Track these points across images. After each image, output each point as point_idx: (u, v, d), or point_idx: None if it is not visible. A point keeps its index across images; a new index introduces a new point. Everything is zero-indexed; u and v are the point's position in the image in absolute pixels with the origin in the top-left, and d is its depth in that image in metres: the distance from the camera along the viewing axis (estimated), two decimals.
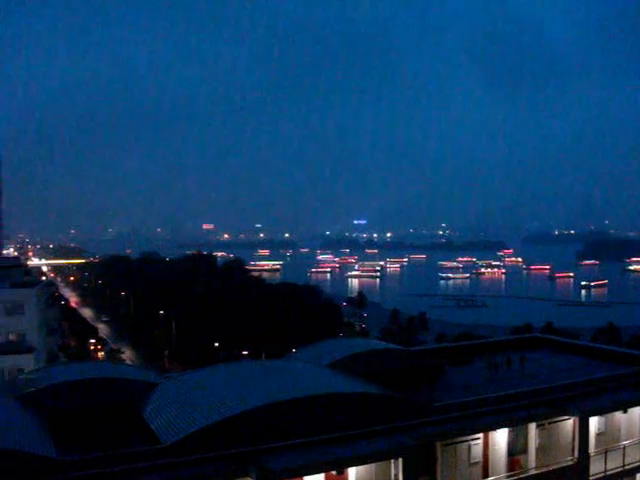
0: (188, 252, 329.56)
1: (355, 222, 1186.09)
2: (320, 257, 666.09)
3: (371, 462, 30.88)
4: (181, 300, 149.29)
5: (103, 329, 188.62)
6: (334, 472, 30.35)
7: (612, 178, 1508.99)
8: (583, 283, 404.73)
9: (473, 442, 35.23)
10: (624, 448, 40.29)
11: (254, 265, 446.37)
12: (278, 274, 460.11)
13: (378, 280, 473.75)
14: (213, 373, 37.99)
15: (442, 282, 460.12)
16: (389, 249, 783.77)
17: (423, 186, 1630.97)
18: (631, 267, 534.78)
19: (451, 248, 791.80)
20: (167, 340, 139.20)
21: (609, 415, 40.76)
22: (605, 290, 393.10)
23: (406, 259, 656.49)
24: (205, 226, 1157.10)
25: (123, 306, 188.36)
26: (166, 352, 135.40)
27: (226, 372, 38.13)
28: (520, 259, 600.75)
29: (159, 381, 37.26)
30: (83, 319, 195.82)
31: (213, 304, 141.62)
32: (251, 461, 27.89)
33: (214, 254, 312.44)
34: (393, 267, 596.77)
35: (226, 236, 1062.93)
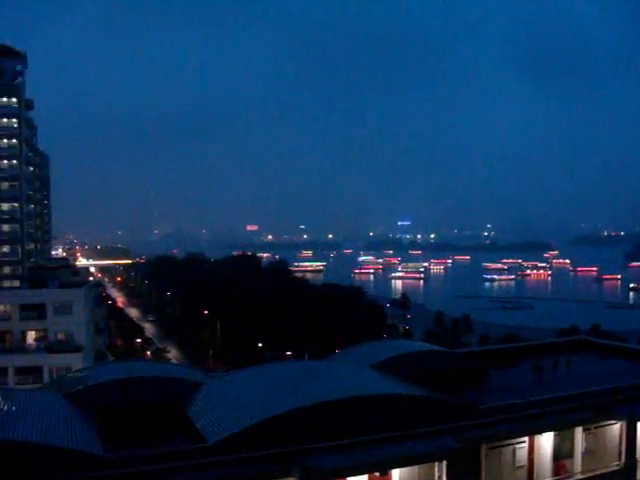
0: (233, 253, 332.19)
1: (399, 223, 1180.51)
2: (361, 258, 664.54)
3: (414, 464, 30.86)
4: (226, 300, 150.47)
5: (149, 329, 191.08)
6: (377, 473, 30.39)
7: None
8: (631, 285, 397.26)
9: (518, 445, 34.94)
10: None
11: (297, 266, 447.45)
12: (321, 275, 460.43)
13: (422, 281, 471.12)
14: (257, 373, 38.32)
15: (487, 284, 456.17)
16: (433, 250, 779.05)
17: (467, 187, 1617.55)
18: None
19: (495, 249, 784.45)
20: (212, 340, 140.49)
21: None
22: None
23: (450, 260, 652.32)
24: (249, 227, 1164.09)
25: (169, 306, 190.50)
26: (211, 352, 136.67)
27: (270, 372, 38.41)
28: (568, 260, 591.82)
29: (204, 380, 37.71)
30: (130, 319, 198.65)
31: (257, 305, 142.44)
32: (294, 461, 28.09)
33: (258, 255, 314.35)
34: (437, 268, 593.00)
35: (270, 237, 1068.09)
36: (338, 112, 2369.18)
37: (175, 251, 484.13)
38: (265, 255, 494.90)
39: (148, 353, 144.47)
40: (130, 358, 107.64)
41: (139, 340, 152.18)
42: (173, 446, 28.47)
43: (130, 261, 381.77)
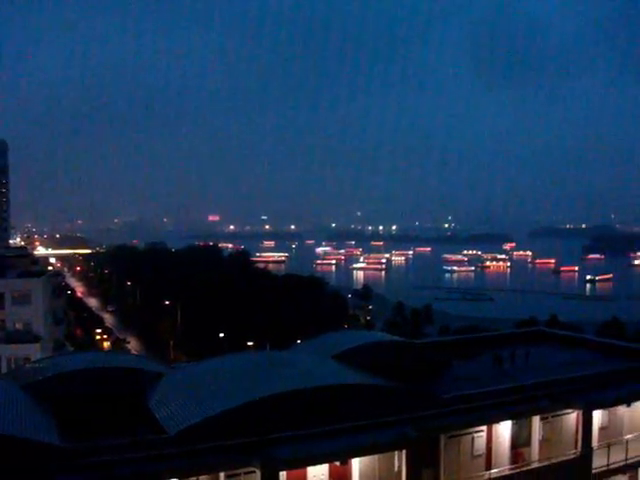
0: (194, 243, 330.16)
1: (360, 214, 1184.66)
2: (319, 249, 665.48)
3: (374, 453, 31.07)
4: (187, 291, 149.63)
5: (109, 319, 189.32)
6: (337, 463, 30.54)
7: (618, 172, 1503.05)
8: (588, 277, 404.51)
9: (477, 434, 35.38)
10: (627, 442, 40.38)
11: (259, 256, 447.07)
12: (283, 266, 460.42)
13: (383, 272, 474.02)
14: (218, 364, 38.18)
15: (447, 275, 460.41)
16: (394, 241, 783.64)
17: (429, 179, 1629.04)
18: (636, 262, 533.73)
19: (456, 241, 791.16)
20: (173, 330, 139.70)
21: (612, 409, 40.86)
22: (610, 284, 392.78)
23: (411, 252, 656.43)
24: (211, 217, 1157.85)
25: (129, 296, 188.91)
26: (172, 342, 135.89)
27: (231, 363, 38.29)
28: (529, 252, 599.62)
29: (165, 371, 37.46)
30: (89, 309, 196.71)
31: (219, 295, 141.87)
32: (255, 451, 28.08)
33: (220, 245, 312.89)
34: (398, 260, 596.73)
35: (232, 227, 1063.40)
36: (301, 104, 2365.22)
37: (136, 241, 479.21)
38: (227, 245, 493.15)
39: (108, 344, 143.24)
40: (89, 349, 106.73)
41: (99, 330, 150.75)
42: (132, 437, 28.23)
43: (90, 251, 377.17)
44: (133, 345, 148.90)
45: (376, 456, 31.46)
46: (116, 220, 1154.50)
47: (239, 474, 28.52)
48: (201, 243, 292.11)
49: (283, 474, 28.85)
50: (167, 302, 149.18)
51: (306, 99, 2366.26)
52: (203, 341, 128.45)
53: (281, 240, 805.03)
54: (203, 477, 28.21)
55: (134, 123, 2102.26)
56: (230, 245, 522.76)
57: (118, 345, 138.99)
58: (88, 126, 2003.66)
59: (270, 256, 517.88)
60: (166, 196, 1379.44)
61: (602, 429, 40.48)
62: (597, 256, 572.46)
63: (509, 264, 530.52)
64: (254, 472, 28.22)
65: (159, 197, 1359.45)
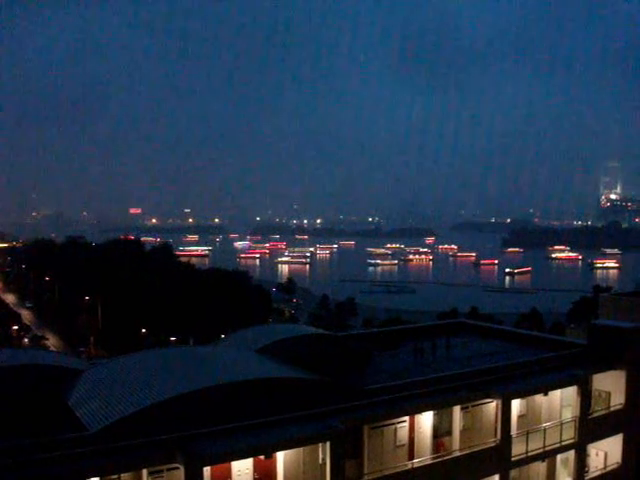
0: (115, 237, 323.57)
1: (285, 208, 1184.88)
2: (237, 243, 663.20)
3: (298, 446, 31.10)
4: (107, 286, 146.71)
5: (27, 315, 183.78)
6: (262, 457, 30.48)
7: (535, 168, 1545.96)
8: (507, 270, 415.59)
9: (399, 425, 35.85)
10: (545, 430, 41.61)
11: (183, 250, 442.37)
12: (207, 260, 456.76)
13: (308, 266, 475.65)
14: (140, 359, 37.55)
15: (371, 268, 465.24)
16: (319, 235, 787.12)
17: (353, 173, 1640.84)
18: (553, 255, 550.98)
19: (380, 235, 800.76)
20: (93, 326, 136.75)
21: (530, 398, 42.04)
22: (529, 277, 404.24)
23: (336, 245, 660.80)
24: (132, 210, 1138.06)
25: (47, 292, 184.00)
26: (92, 338, 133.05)
27: (153, 358, 37.73)
28: (454, 246, 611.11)
29: (85, 368, 36.65)
30: (6, 305, 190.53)
31: (140, 290, 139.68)
32: (178, 447, 27.74)
33: (141, 239, 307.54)
34: (323, 253, 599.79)
35: (154, 221, 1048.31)
36: (226, 97, 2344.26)
37: (54, 235, 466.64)
38: (149, 239, 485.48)
39: (25, 340, 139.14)
40: (6, 346, 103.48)
41: (15, 327, 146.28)
42: (51, 436, 27.47)
43: (6, 244, 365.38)
44: (52, 342, 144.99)
45: (300, 449, 31.52)
46: (34, 213, 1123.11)
47: (162, 471, 28.14)
48: (122, 237, 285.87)
49: (207, 470, 28.58)
50: (87, 298, 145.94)
51: (231, 92, 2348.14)
52: (124, 337, 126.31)
53: (204, 234, 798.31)
54: (126, 475, 27.75)
55: (52, 116, 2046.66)
56: (152, 239, 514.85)
57: (36, 342, 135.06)
58: (3, 119, 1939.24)
59: (193, 250, 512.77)
60: (86, 189, 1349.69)
61: (521, 417, 41.61)
62: (516, 249, 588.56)
63: (431, 257, 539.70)
64: (178, 468, 27.89)
65: (79, 190, 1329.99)
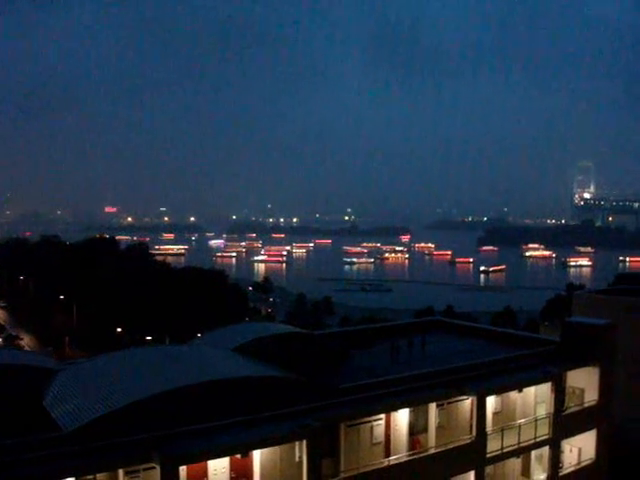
0: (91, 235, 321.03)
1: (261, 206, 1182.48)
2: (212, 242, 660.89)
3: (275, 444, 31.13)
4: (83, 285, 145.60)
5: (0, 315, 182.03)
6: (239, 455, 30.47)
7: (511, 167, 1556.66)
8: (482, 268, 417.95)
9: (375, 423, 36.01)
10: (519, 427, 42.03)
11: (158, 249, 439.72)
12: (183, 259, 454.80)
13: (284, 265, 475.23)
14: (116, 359, 37.39)
15: (347, 267, 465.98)
16: (295, 234, 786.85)
17: (329, 172, 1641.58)
18: (527, 253, 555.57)
19: (356, 233, 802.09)
20: (68, 326, 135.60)
21: (505, 395, 42.47)
22: (503, 275, 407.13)
23: (312, 244, 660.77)
24: (108, 209, 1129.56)
25: (22, 291, 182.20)
26: (67, 338, 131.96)
27: (129, 358, 37.59)
28: (431, 244, 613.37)
29: (60, 368, 36.38)
30: None
31: (116, 289, 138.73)
32: (155, 447, 27.65)
33: (117, 238, 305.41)
34: (299, 252, 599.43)
35: (130, 219, 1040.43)
36: (202, 93, 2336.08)
37: (29, 233, 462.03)
38: (125, 238, 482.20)
39: None
40: None
41: None
42: (26, 437, 27.25)
43: None
44: (27, 342, 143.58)
45: (277, 447, 31.55)
46: (8, 212, 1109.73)
47: (138, 470, 28.04)
48: (97, 236, 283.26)
49: (183, 469, 28.55)
50: (62, 297, 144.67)
51: (207, 90, 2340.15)
52: (100, 336, 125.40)
53: (180, 232, 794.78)
54: (101, 475, 27.60)
55: (25, 112, 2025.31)
56: (128, 237, 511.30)
57: (10, 342, 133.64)
58: None
59: (169, 249, 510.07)
60: (61, 187, 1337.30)
61: (496, 414, 41.99)
62: (491, 248, 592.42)
63: (407, 256, 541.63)
64: (154, 468, 27.79)
65: (53, 188, 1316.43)
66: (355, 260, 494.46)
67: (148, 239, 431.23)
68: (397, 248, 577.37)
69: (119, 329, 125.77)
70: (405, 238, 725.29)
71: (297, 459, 31.82)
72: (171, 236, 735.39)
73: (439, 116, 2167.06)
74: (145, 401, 29.09)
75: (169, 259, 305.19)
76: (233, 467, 31.34)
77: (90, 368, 36.02)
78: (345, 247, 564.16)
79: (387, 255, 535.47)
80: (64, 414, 29.47)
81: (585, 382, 46.31)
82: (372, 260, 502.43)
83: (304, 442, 31.16)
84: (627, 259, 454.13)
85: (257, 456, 31.56)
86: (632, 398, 58.64)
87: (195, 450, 28.06)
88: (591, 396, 46.32)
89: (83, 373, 35.01)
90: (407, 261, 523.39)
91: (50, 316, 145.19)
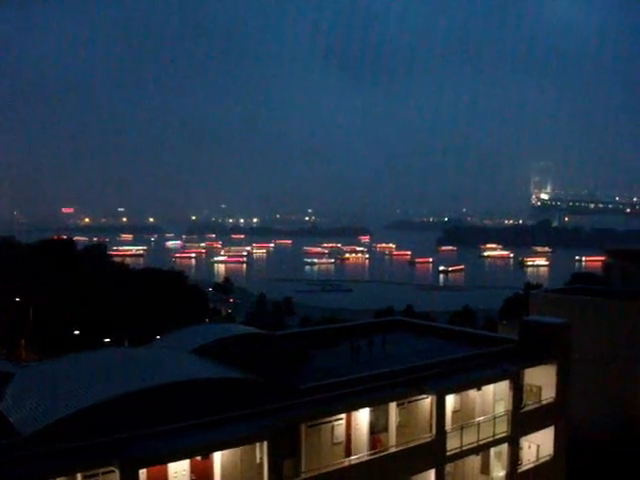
0: (47, 236, 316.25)
1: (221, 207, 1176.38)
2: (169, 244, 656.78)
3: (235, 446, 31.05)
4: (39, 287, 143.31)
5: None
6: (199, 457, 30.30)
7: (470, 168, 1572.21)
8: (441, 268, 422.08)
9: (336, 423, 36.11)
10: (478, 424, 42.49)
11: (117, 250, 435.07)
12: (142, 259, 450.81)
13: (245, 265, 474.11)
14: (73, 362, 36.89)
15: (307, 267, 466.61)
16: (255, 234, 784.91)
17: (289, 172, 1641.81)
18: (486, 253, 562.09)
19: (316, 234, 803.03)
20: (23, 329, 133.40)
21: (464, 393, 42.92)
22: (462, 275, 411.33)
23: (272, 244, 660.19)
24: (65, 210, 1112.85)
25: None
26: (22, 341, 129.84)
27: (87, 360, 37.08)
28: (392, 245, 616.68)
29: (15, 371, 35.78)
30: None
31: (73, 290, 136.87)
32: (114, 450, 27.34)
33: (74, 239, 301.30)
34: (259, 252, 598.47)
35: (87, 220, 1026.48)
36: (158, 97, 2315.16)
37: None
38: (82, 239, 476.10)
39: None
40: None
41: None
42: None
43: None
44: None
45: (238, 449, 31.47)
46: None
47: (97, 474, 27.68)
48: (54, 237, 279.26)
49: (143, 472, 28.30)
50: (17, 299, 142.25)
51: (164, 91, 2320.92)
52: (57, 339, 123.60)
53: (139, 233, 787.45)
54: (60, 479, 27.20)
55: None
56: (85, 238, 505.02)
57: None
58: None
59: (128, 250, 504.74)
60: (17, 188, 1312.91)
61: (455, 413, 42.42)
62: (450, 248, 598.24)
63: (367, 256, 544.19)
64: (113, 472, 27.48)
65: (9, 189, 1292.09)
66: (316, 260, 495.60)
67: (108, 240, 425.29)
68: (357, 248, 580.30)
69: (77, 331, 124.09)
70: (365, 239, 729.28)
71: (258, 460, 31.78)
72: (130, 237, 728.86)
73: (398, 115, 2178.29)
74: (104, 404, 28.77)
75: (128, 260, 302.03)
76: (193, 469, 31.15)
77: (48, 371, 35.53)
78: (305, 247, 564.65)
79: (347, 255, 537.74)
80: (21, 418, 29.02)
81: (542, 380, 47.00)
82: (332, 260, 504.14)
83: (265, 443, 31.12)
84: (583, 258, 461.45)
85: (218, 458, 31.41)
86: (588, 396, 59.65)
87: (155, 453, 27.82)
88: (548, 393, 47.03)
89: (40, 376, 34.53)
90: (367, 261, 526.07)
91: (4, 319, 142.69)
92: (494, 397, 44.22)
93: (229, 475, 31.81)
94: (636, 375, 60.11)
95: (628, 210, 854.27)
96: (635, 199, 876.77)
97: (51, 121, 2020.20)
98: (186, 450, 28.97)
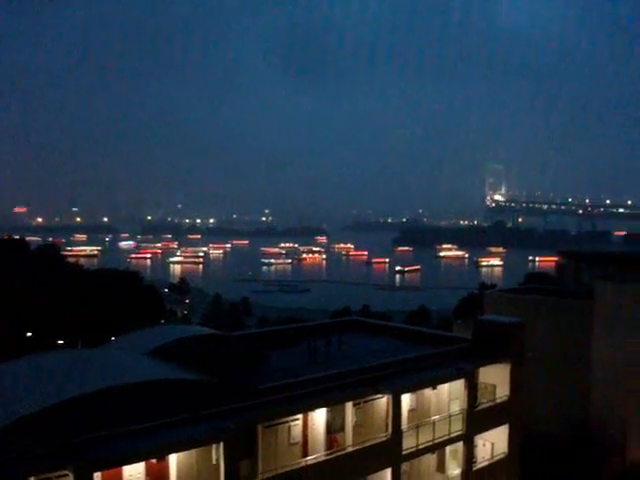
0: None
1: (177, 207, 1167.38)
2: (122, 244, 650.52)
3: (190, 448, 30.83)
4: None
5: None
6: (154, 460, 30.02)
7: (425, 170, 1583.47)
8: (398, 268, 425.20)
9: (293, 423, 36.07)
10: (434, 423, 42.85)
11: (70, 250, 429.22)
12: (96, 260, 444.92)
13: (201, 266, 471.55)
14: (25, 364, 36.18)
15: (265, 268, 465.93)
16: (212, 235, 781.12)
17: (246, 172, 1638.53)
18: (441, 254, 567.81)
19: (273, 234, 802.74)
20: None
21: (420, 392, 43.20)
22: (418, 275, 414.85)
23: (229, 245, 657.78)
24: (17, 209, 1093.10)
25: None
26: None
27: (39, 363, 36.41)
28: (350, 245, 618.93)
29: None
30: None
31: (24, 292, 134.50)
32: (67, 454, 26.93)
33: (27, 239, 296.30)
34: (216, 253, 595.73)
35: (40, 220, 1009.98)
36: (114, 95, 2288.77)
37: None
38: (35, 238, 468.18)
39: None
40: None
41: None
42: None
43: None
44: None
45: (193, 451, 31.24)
46: None
47: (51, 479, 27.22)
48: (5, 237, 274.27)
49: (98, 475, 27.91)
50: None
51: (120, 90, 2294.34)
52: (8, 341, 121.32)
53: (94, 233, 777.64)
54: None
55: None
56: (38, 238, 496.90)
57: None
58: None
59: (82, 250, 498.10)
60: None
61: (411, 412, 42.68)
62: (406, 248, 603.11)
63: (324, 256, 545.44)
64: (67, 475, 27.03)
65: None
66: (273, 261, 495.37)
67: (64, 240, 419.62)
68: (314, 249, 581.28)
69: (29, 333, 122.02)
70: (322, 239, 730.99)
71: (214, 462, 31.58)
72: (84, 237, 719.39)
73: (354, 117, 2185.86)
74: (56, 407, 28.30)
75: (82, 260, 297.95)
76: (149, 472, 30.83)
77: None
78: (263, 248, 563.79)
79: (304, 256, 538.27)
80: None
81: (497, 378, 47.58)
82: (290, 261, 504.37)
83: (221, 444, 30.97)
84: (536, 259, 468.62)
85: (173, 460, 31.13)
86: (541, 395, 60.63)
87: (109, 456, 27.46)
88: (503, 392, 47.63)
89: None
90: (324, 262, 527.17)
91: None
92: (449, 396, 44.67)
93: (185, 477, 31.55)
94: (587, 374, 61.33)
95: (580, 212, 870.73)
96: (587, 201, 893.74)
97: (0, 119, 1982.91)
98: (141, 453, 28.66)
